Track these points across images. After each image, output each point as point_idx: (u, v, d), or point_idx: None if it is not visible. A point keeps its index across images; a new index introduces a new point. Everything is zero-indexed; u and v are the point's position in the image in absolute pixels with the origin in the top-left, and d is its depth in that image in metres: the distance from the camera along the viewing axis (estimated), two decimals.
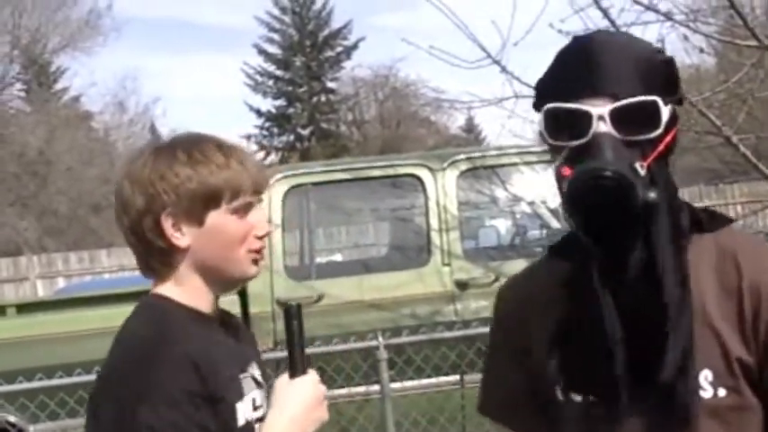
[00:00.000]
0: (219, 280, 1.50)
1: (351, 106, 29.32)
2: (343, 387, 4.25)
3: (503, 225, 5.65)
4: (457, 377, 4.34)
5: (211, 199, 1.44)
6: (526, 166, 4.77)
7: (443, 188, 4.63)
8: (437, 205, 4.62)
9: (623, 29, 3.54)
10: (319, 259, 5.57)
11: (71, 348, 3.91)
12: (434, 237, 4.60)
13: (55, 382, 3.84)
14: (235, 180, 1.45)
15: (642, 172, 1.17)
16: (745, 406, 1.17)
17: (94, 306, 4.51)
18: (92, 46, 24.03)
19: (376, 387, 4.22)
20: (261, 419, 1.46)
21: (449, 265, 4.56)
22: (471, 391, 3.64)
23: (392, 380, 4.19)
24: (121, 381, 1.37)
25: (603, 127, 1.17)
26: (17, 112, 23.69)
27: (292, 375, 1.42)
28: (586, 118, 1.18)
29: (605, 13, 3.57)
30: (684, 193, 16.37)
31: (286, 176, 4.65)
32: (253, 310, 4.32)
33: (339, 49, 29.22)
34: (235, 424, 1.42)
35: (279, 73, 29.07)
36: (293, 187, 4.63)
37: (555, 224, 4.84)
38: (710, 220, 1.27)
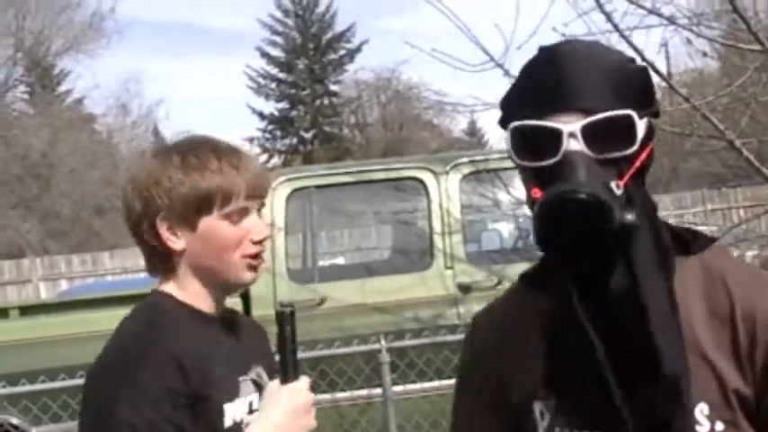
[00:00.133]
0: (216, 283, 1.51)
1: (353, 109, 29.33)
2: (345, 390, 4.25)
3: (505, 228, 5.64)
4: None
5: (203, 204, 1.45)
6: None
7: (446, 191, 4.63)
8: (440, 208, 4.62)
9: (626, 33, 3.54)
10: (322, 262, 5.57)
11: (74, 350, 3.91)
12: (437, 240, 4.60)
13: (58, 384, 3.85)
14: (227, 185, 1.45)
15: (618, 192, 1.08)
16: None
17: (97, 308, 4.52)
18: (95, 48, 24.08)
19: (378, 390, 4.22)
20: None
21: (451, 268, 4.56)
22: None
23: (394, 383, 4.18)
24: (105, 378, 1.40)
25: (575, 145, 1.09)
26: (20, 114, 23.72)
27: (284, 381, 1.42)
28: (556, 135, 1.10)
29: (608, 16, 3.57)
30: (687, 198, 16.39)
31: (289, 179, 4.66)
32: (255, 312, 4.32)
33: (342, 52, 29.25)
34: (221, 424, 1.42)
35: (282, 76, 29.10)
36: (296, 190, 4.63)
37: None
38: (694, 241, 1.18)
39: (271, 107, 29.11)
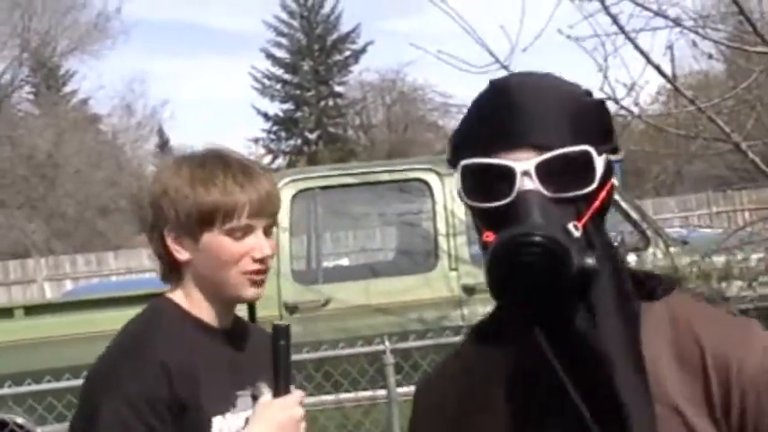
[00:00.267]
0: (218, 296, 1.52)
1: (358, 110, 29.34)
2: (349, 391, 4.26)
3: None
4: None
5: (205, 218, 1.47)
6: None
7: (451, 193, 4.63)
8: (444, 210, 4.62)
9: (632, 35, 3.54)
10: (326, 263, 5.58)
11: (79, 350, 3.92)
12: (442, 241, 4.60)
13: (63, 384, 3.85)
14: (229, 202, 1.46)
15: (577, 234, 1.00)
16: None
17: (102, 308, 4.52)
18: (100, 49, 24.15)
19: (382, 392, 4.22)
20: None
21: (456, 269, 4.56)
22: None
23: (399, 384, 4.18)
24: (94, 381, 1.45)
25: (529, 184, 1.01)
26: (26, 114, 23.79)
27: (276, 395, 1.43)
28: (509, 174, 1.01)
29: (614, 19, 3.57)
30: (692, 200, 16.37)
31: (294, 180, 4.66)
32: (260, 313, 4.32)
33: (347, 53, 29.26)
34: None
35: (287, 77, 29.13)
36: (301, 191, 4.63)
37: None
38: (658, 286, 1.10)
39: (275, 108, 29.18)
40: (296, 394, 1.44)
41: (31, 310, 4.97)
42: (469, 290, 4.50)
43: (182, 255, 1.50)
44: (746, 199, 15.68)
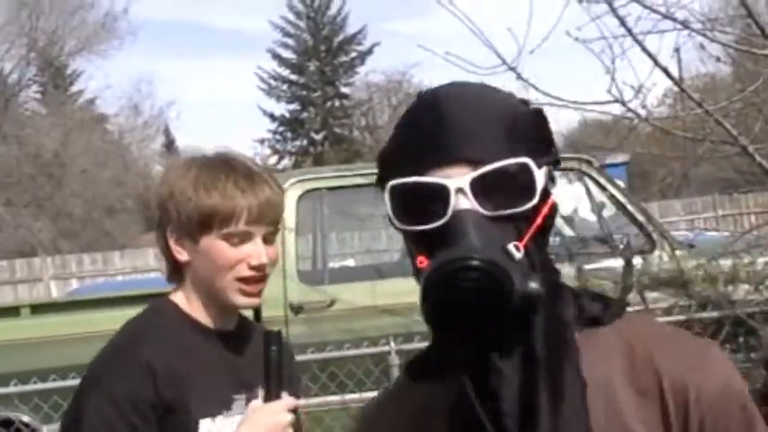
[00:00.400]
0: (214, 299, 1.53)
1: (364, 111, 29.36)
2: (354, 392, 4.25)
3: None
4: None
5: (203, 221, 1.48)
6: None
7: None
8: None
9: (640, 37, 3.53)
10: (332, 264, 5.58)
11: (84, 349, 3.91)
12: None
13: (69, 382, 3.85)
14: (227, 207, 1.46)
15: (518, 255, 0.92)
16: None
17: (108, 308, 4.53)
18: (107, 49, 24.23)
19: None
20: None
21: None
22: None
23: None
24: (87, 375, 1.49)
25: (465, 202, 0.92)
26: (33, 114, 23.87)
27: (266, 399, 1.43)
28: (442, 193, 0.93)
29: (622, 21, 3.56)
30: (698, 203, 16.34)
31: (300, 181, 4.66)
32: (265, 314, 4.32)
33: (353, 54, 29.29)
34: None
35: (293, 77, 29.16)
36: (307, 192, 4.64)
37: (568, 232, 4.83)
38: (605, 310, 1.01)
39: (281, 109, 29.22)
40: (286, 400, 1.43)
41: (38, 308, 4.99)
42: None
43: (182, 256, 1.51)
44: (753, 202, 15.65)
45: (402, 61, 42.02)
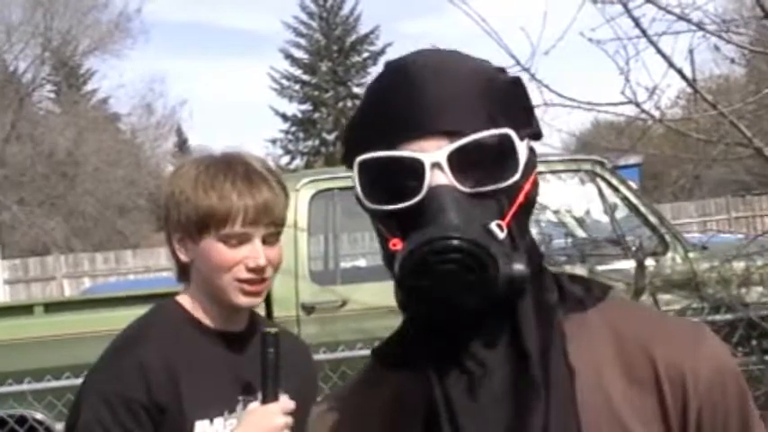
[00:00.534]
0: (216, 300, 1.52)
1: None
2: None
3: None
4: None
5: (201, 222, 1.47)
6: (552, 174, 4.75)
7: None
8: None
9: (654, 38, 3.52)
10: (344, 264, 5.59)
11: (97, 347, 3.94)
12: None
13: (82, 380, 3.88)
14: (223, 208, 1.45)
15: (501, 235, 0.83)
16: None
17: (121, 306, 4.56)
18: (121, 48, 24.31)
19: None
20: None
21: None
22: None
23: None
24: (88, 374, 1.52)
25: (441, 178, 0.84)
26: (47, 113, 24.00)
27: (263, 401, 1.43)
28: (416, 168, 0.84)
29: (636, 22, 3.55)
30: (711, 205, 16.28)
31: (312, 181, 4.67)
32: (277, 314, 4.34)
33: (366, 54, 29.30)
34: None
35: (305, 77, 29.20)
36: (319, 192, 4.64)
37: (580, 233, 4.81)
38: (587, 292, 0.94)
39: (294, 109, 29.25)
40: (282, 403, 1.42)
41: (51, 307, 5.01)
42: None
43: (184, 256, 1.52)
44: (766, 204, 15.57)
45: None
